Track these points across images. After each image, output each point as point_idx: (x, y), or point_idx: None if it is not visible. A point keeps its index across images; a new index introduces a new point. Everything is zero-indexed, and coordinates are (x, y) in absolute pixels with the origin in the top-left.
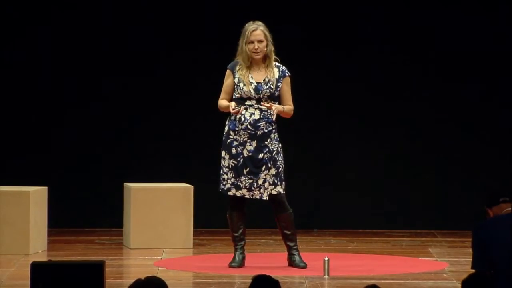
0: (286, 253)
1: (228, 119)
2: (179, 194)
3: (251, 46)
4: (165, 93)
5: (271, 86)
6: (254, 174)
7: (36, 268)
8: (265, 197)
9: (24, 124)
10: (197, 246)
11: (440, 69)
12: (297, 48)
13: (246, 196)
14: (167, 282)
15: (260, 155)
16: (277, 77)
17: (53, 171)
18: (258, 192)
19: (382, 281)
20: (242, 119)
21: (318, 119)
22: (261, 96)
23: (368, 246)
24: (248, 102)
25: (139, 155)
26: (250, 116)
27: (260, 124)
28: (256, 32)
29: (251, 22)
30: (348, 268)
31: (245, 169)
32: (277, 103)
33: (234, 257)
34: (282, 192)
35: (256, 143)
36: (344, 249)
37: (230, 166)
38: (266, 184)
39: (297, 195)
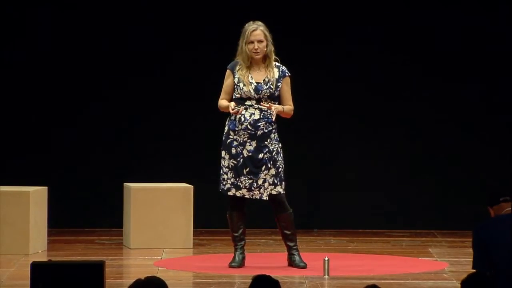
0: (286, 253)
1: (228, 119)
2: (179, 194)
3: (251, 46)
4: (165, 93)
5: (271, 86)
6: (254, 174)
7: (36, 268)
8: (265, 197)
9: (24, 124)
10: (197, 246)
11: (440, 69)
12: (297, 48)
13: (246, 196)
14: (167, 282)
15: (260, 155)
16: (277, 77)
17: (53, 171)
18: (258, 192)
19: (382, 281)
20: (242, 119)
21: (318, 119)
22: (261, 96)
23: (368, 246)
24: (248, 102)
25: (139, 155)
26: (250, 116)
27: (260, 124)
28: (256, 32)
29: (251, 22)
30: (348, 268)
31: (245, 169)
32: (277, 103)
33: (234, 257)
34: (282, 192)
35: (256, 143)
36: (344, 249)
37: (230, 166)
38: (266, 184)
39: (297, 195)
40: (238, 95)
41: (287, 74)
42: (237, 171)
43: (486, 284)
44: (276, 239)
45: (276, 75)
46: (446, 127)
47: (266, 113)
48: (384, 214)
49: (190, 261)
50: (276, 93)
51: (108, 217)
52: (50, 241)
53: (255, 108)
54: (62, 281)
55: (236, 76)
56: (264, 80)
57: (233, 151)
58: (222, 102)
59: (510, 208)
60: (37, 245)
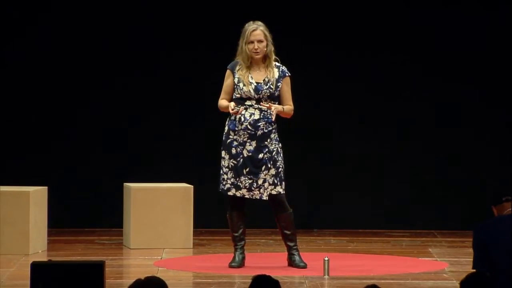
0: (286, 253)
1: (228, 119)
2: (179, 194)
3: (251, 46)
4: (165, 93)
5: (271, 86)
6: (254, 174)
7: (36, 268)
8: (265, 197)
9: (24, 124)
10: (197, 246)
11: (440, 69)
12: (297, 48)
13: (246, 196)
14: (167, 282)
15: (260, 155)
16: (277, 77)
17: (53, 171)
18: (258, 192)
19: (382, 281)
20: (242, 119)
21: (318, 119)
22: (261, 96)
23: (368, 246)
24: (248, 102)
25: (139, 155)
26: (250, 116)
27: (260, 124)
28: (256, 32)
29: (251, 22)
30: (348, 268)
31: (245, 169)
32: (277, 103)
33: (234, 257)
34: (282, 192)
35: (256, 143)
36: (344, 249)
37: (230, 166)
38: (266, 184)
39: (297, 195)
40: (238, 95)
41: (287, 74)
42: (237, 171)
43: (485, 284)
44: (276, 239)
45: (276, 75)
46: (446, 127)
47: (266, 113)
48: (384, 214)
49: (190, 261)
50: (276, 93)
51: (108, 217)
52: (50, 241)
53: (255, 108)
54: (62, 281)
55: (236, 76)
56: (264, 80)
57: (233, 151)
58: (222, 102)
59: (511, 209)
60: (37, 245)
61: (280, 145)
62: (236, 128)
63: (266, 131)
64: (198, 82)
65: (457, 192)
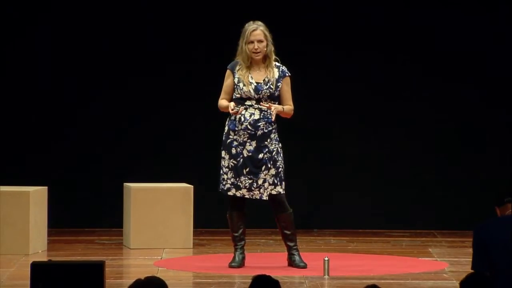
0: (286, 253)
1: (228, 119)
2: (179, 194)
3: (251, 46)
4: (165, 93)
5: (271, 86)
6: (254, 174)
7: (36, 268)
8: (265, 197)
9: (24, 124)
10: (197, 246)
11: (440, 69)
12: (297, 48)
13: (246, 196)
14: (167, 282)
15: (260, 155)
16: (277, 77)
17: (53, 171)
18: (258, 192)
19: (382, 281)
20: (242, 119)
21: (318, 119)
22: (261, 96)
23: (368, 246)
24: (248, 102)
25: (139, 155)
26: (250, 116)
27: (260, 124)
28: (256, 32)
29: (251, 22)
30: (348, 268)
31: (245, 169)
32: (277, 103)
33: (234, 257)
34: (282, 192)
35: (256, 143)
36: (344, 249)
37: (230, 166)
38: (266, 184)
39: (297, 195)
40: (238, 95)
41: (287, 74)
42: (237, 171)
43: (485, 285)
44: (276, 239)
45: (276, 75)
46: (446, 127)
47: (266, 113)
48: (384, 214)
49: (190, 261)
50: (276, 93)
51: (108, 217)
52: (50, 241)
53: (255, 108)
54: (62, 281)
55: (236, 76)
56: (264, 80)
57: (233, 151)
58: (222, 102)
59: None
60: (37, 245)
61: (280, 145)
62: (236, 128)
63: (266, 131)
64: (198, 82)
65: (457, 192)
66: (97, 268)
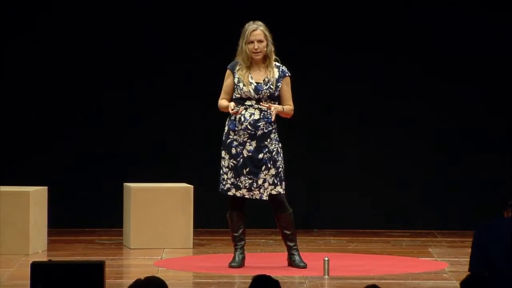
0: (286, 253)
1: (228, 119)
2: (179, 194)
3: (251, 46)
4: (165, 93)
5: (271, 86)
6: (254, 174)
7: (36, 268)
8: (265, 197)
9: (24, 124)
10: (197, 246)
11: (440, 69)
12: (297, 48)
13: (246, 196)
14: (167, 282)
15: (260, 155)
16: (277, 77)
17: (53, 171)
18: (258, 192)
19: (382, 281)
20: (242, 119)
21: (318, 119)
22: (260, 96)
23: (368, 246)
24: (248, 102)
25: (139, 155)
26: (250, 116)
27: (260, 124)
28: (256, 32)
29: (251, 22)
30: (348, 268)
31: (245, 169)
32: (277, 103)
33: (234, 257)
34: (282, 192)
35: (256, 143)
36: (344, 249)
37: (230, 166)
38: (266, 184)
39: (297, 195)
40: (238, 95)
41: (287, 74)
42: (237, 171)
43: (485, 285)
44: (276, 239)
45: (276, 75)
46: (446, 127)
47: (266, 113)
48: (384, 214)
49: (190, 261)
50: (276, 93)
51: (108, 217)
52: (50, 241)
53: (255, 108)
54: (62, 281)
55: (236, 76)
56: (264, 80)
57: (233, 151)
58: (222, 102)
59: None
60: (37, 245)
61: (280, 145)
62: (236, 128)
63: (266, 131)
64: (198, 82)
65: (457, 192)
66: (97, 268)
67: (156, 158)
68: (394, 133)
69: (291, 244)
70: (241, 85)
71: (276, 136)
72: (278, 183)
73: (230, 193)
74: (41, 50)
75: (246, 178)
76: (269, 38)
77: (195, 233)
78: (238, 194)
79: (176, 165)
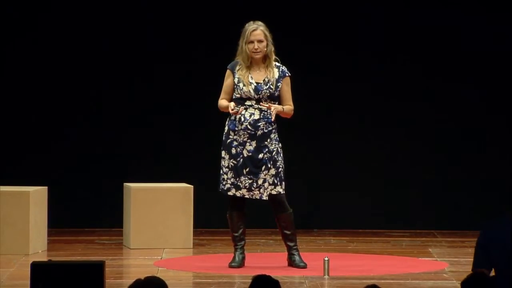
0: (286, 253)
1: (228, 119)
2: (179, 194)
3: (251, 46)
4: (165, 93)
5: (271, 86)
6: (254, 174)
7: (36, 268)
8: (265, 197)
9: (24, 124)
10: (197, 246)
11: (440, 69)
12: (297, 48)
13: (246, 196)
14: (167, 282)
15: (260, 155)
16: (277, 77)
17: (53, 171)
18: (258, 192)
19: (382, 281)
20: (242, 119)
21: (318, 119)
22: (260, 96)
23: (368, 246)
24: (248, 102)
25: (139, 155)
26: (250, 116)
27: (260, 124)
28: (256, 32)
29: (251, 22)
30: (348, 268)
31: (245, 169)
32: (277, 103)
33: (234, 257)
34: (282, 192)
35: (256, 143)
36: (344, 249)
37: (230, 166)
38: (266, 184)
39: (297, 195)
40: (238, 95)
41: (287, 74)
42: (237, 171)
43: (486, 285)
44: (276, 239)
45: (276, 75)
46: (446, 127)
47: (266, 113)
48: (384, 214)
49: (190, 261)
50: (276, 93)
51: (108, 217)
52: (50, 241)
53: (255, 108)
54: (62, 281)
55: (236, 76)
56: (264, 80)
57: (233, 151)
58: (222, 102)
59: None
60: (37, 245)
61: (280, 145)
62: (236, 128)
63: (266, 131)
64: (198, 82)
65: (457, 192)
66: (97, 268)
67: (156, 158)
68: (394, 133)
69: (291, 244)
70: (241, 85)
71: (276, 136)
72: (278, 183)
73: (230, 193)
74: (41, 50)
75: (246, 178)
76: (269, 38)
77: (195, 233)
78: (238, 194)
79: (176, 165)
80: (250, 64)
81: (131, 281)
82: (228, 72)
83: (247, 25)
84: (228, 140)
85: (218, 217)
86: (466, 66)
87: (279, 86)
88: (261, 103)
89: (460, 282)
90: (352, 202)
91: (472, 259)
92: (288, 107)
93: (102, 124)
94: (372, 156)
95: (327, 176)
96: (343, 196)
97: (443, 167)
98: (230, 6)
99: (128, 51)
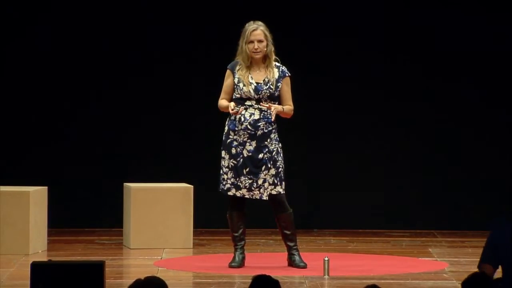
0: (286, 253)
1: (228, 119)
2: (179, 194)
3: (251, 46)
4: (165, 93)
5: (271, 86)
6: (254, 174)
7: (36, 268)
8: (265, 197)
9: (24, 124)
10: (197, 246)
11: (440, 69)
12: (297, 48)
13: (246, 196)
14: (167, 282)
15: (260, 155)
16: (276, 77)
17: (53, 171)
18: (258, 192)
19: (382, 281)
20: (242, 119)
21: (318, 119)
22: (260, 97)
23: (368, 246)
24: (248, 102)
25: (139, 155)
26: (250, 116)
27: (260, 124)
28: (256, 32)
29: (251, 22)
30: (348, 268)
31: (245, 169)
32: (277, 103)
33: (234, 257)
34: (282, 192)
35: (256, 143)
36: (344, 249)
37: (230, 166)
38: (266, 184)
39: (297, 195)
40: (238, 95)
41: (287, 74)
42: (237, 171)
43: (486, 285)
44: (276, 239)
45: (276, 75)
46: (446, 127)
47: (266, 113)
48: (384, 214)
49: (190, 261)
50: (276, 93)
51: (108, 217)
52: (50, 241)
53: (255, 108)
54: (62, 281)
55: (236, 76)
56: (264, 80)
57: (233, 151)
58: (222, 102)
59: None
60: (37, 245)
61: (280, 145)
62: (236, 128)
63: (266, 131)
64: (198, 82)
65: (457, 192)
66: (97, 268)
67: (156, 158)
68: (394, 133)
69: (291, 244)
70: (241, 85)
71: (276, 136)
72: (278, 183)
73: (230, 193)
74: (41, 50)
75: (246, 178)
76: (269, 38)
77: (195, 233)
78: (238, 194)
79: (176, 165)
80: (250, 64)
81: (131, 281)
82: (228, 72)
83: (247, 25)
84: (228, 140)
85: (218, 217)
86: (466, 66)
87: (279, 86)
88: (261, 103)
89: (460, 282)
90: (352, 202)
91: (472, 259)
92: (288, 107)
93: (102, 124)
94: (372, 156)
95: (327, 176)
96: (343, 196)
97: (443, 167)
98: (230, 6)
99: (128, 51)
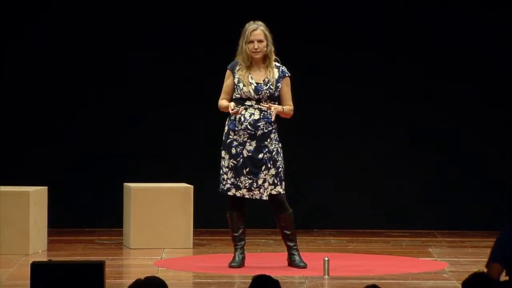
0: (286, 253)
1: (228, 119)
2: (179, 194)
3: (251, 45)
4: (165, 93)
5: (271, 86)
6: (254, 174)
7: (36, 268)
8: (265, 197)
9: (24, 124)
10: (197, 246)
11: (440, 69)
12: (297, 48)
13: (246, 196)
14: (167, 282)
15: (260, 155)
16: (276, 78)
17: (53, 171)
18: (258, 192)
19: (382, 281)
20: (242, 119)
21: (318, 119)
22: (260, 97)
23: (368, 246)
24: (248, 103)
25: (139, 155)
26: (250, 116)
27: (260, 124)
28: (256, 31)
29: (251, 21)
30: (348, 268)
31: (245, 169)
32: (277, 103)
33: (234, 257)
34: (282, 192)
35: (256, 143)
36: (344, 249)
37: (230, 166)
38: (266, 184)
39: (297, 195)
40: (238, 95)
41: (287, 74)
42: (237, 171)
43: (487, 285)
44: (276, 239)
45: (276, 75)
46: (446, 127)
47: (266, 113)
48: (384, 214)
49: (190, 261)
50: (276, 94)
51: (108, 217)
52: (50, 241)
53: (255, 108)
54: (62, 281)
55: (236, 76)
56: (264, 80)
57: (233, 151)
58: (222, 102)
59: None
60: (37, 245)
61: (280, 145)
62: (236, 128)
63: (266, 131)
64: (198, 82)
65: (457, 192)
66: (97, 268)
67: (156, 158)
68: (394, 133)
69: (291, 244)
70: (241, 85)
71: (276, 136)
72: (278, 183)
73: (230, 193)
74: (41, 50)
75: (246, 178)
76: (269, 38)
77: (195, 233)
78: (238, 194)
79: (176, 165)
80: (250, 64)
81: (131, 281)
82: (228, 72)
83: (247, 25)
84: (228, 140)
85: (218, 217)
86: (466, 66)
87: (279, 86)
88: (261, 103)
89: (460, 282)
90: (352, 202)
91: (472, 259)
92: (288, 107)
93: (102, 124)
94: (372, 156)
95: (327, 176)
96: (343, 196)
97: (443, 167)
98: (230, 6)
99: (128, 51)
